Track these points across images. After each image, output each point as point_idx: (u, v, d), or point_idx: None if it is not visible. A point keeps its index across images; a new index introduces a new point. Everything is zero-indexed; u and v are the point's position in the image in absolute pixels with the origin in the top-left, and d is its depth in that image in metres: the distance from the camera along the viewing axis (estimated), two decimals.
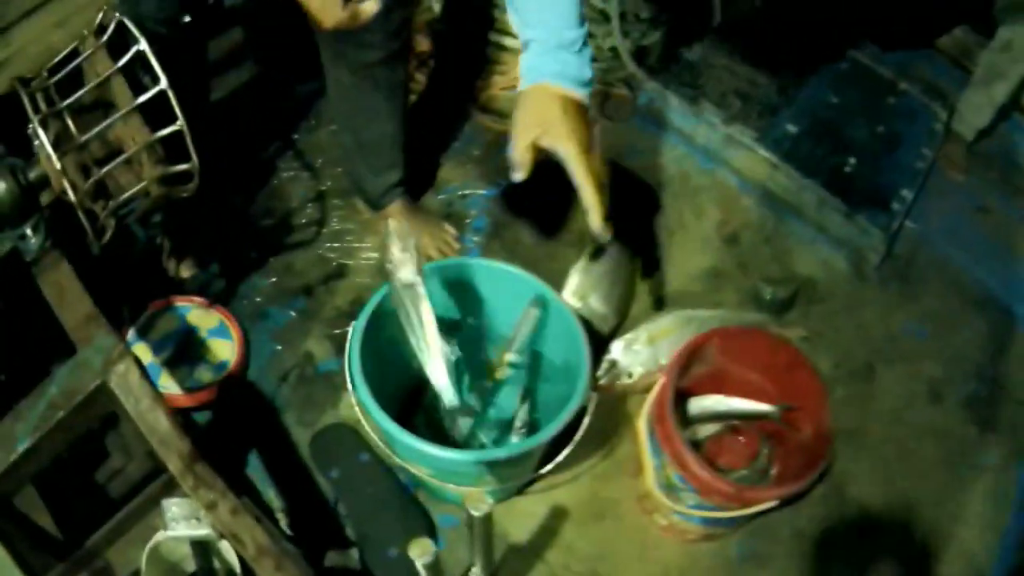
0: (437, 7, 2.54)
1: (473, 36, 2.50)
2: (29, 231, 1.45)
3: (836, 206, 2.42)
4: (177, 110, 1.37)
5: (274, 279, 2.13)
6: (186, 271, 2.09)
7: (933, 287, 2.43)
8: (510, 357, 1.75)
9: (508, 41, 2.45)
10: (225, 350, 1.97)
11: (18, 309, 1.61)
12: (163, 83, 1.35)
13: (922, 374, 2.24)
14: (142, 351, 1.93)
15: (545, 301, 1.76)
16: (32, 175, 1.42)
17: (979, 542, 1.97)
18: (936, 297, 2.41)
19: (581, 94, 1.41)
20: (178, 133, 1.34)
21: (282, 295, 2.10)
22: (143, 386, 1.32)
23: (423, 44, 2.56)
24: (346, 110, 1.97)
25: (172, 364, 1.93)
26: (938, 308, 2.39)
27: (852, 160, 2.54)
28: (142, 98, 1.37)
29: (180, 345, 1.96)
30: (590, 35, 1.46)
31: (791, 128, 2.56)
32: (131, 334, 1.96)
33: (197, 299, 2.02)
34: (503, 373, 1.77)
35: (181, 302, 2.01)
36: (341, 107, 1.97)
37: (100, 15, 1.47)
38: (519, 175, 1.41)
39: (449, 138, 2.50)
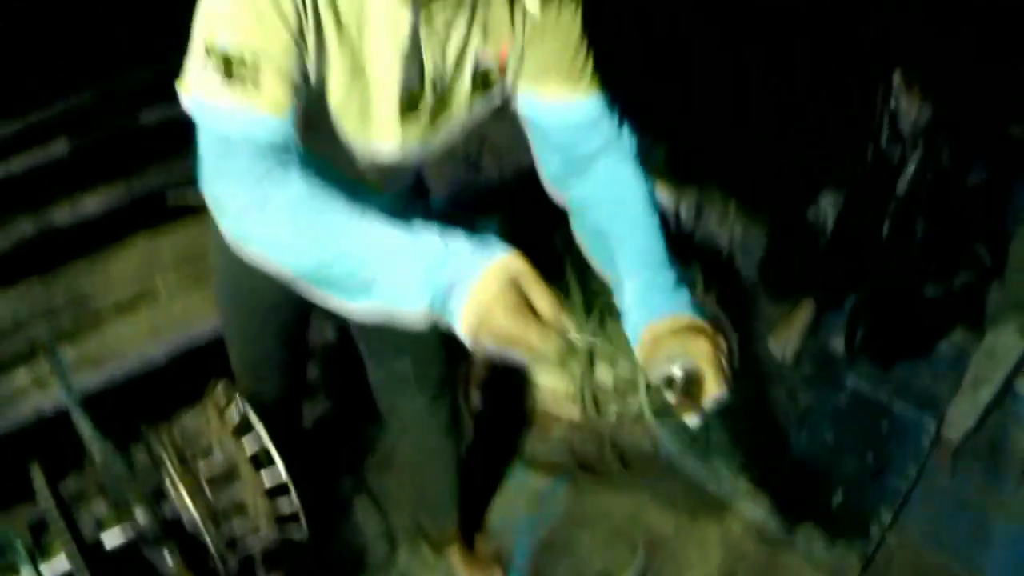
0: None
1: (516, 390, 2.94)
2: (167, 553, 1.68)
3: (821, 538, 2.79)
4: (294, 495, 1.70)
5: None
6: None
7: None
8: None
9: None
10: None
11: None
12: (283, 475, 1.68)
13: None
14: None
15: None
16: (168, 512, 1.68)
17: None
18: None
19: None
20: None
21: None
22: None
23: (475, 399, 3.00)
24: (409, 467, 2.35)
25: None
26: None
27: (839, 493, 2.92)
28: (267, 484, 1.69)
29: None
30: None
31: (789, 473, 2.96)
32: None
33: None
34: None
35: None
36: (405, 464, 2.35)
37: (220, 389, 1.81)
38: (696, 421, 1.33)
39: (496, 484, 2.90)
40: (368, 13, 1.24)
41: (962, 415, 2.92)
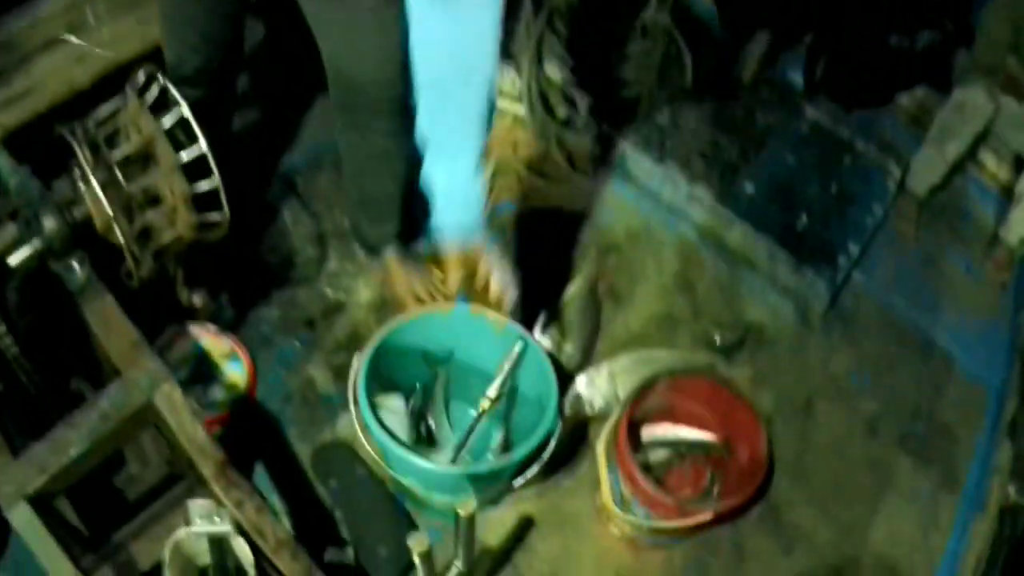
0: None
1: None
2: (76, 264, 1.68)
3: (785, 259, 2.68)
4: (214, 168, 1.64)
5: (279, 311, 2.37)
6: (198, 300, 2.30)
7: (875, 334, 2.68)
8: (488, 394, 2.01)
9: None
10: (236, 374, 2.18)
11: (46, 328, 1.82)
12: (203, 147, 1.62)
13: (859, 411, 2.48)
14: None
15: (523, 345, 2.04)
16: (78, 214, 1.65)
17: (908, 560, 2.24)
18: (878, 343, 2.65)
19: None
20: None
21: (287, 326, 2.34)
22: (184, 404, 1.59)
23: None
24: (354, 168, 2.20)
25: (187, 385, 2.14)
26: (879, 353, 2.63)
27: (804, 217, 2.81)
28: (185, 158, 1.63)
29: (194, 368, 2.17)
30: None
31: (749, 188, 2.83)
32: None
33: (210, 326, 2.23)
34: (485, 405, 2.03)
35: (195, 328, 2.23)
36: (350, 164, 2.20)
37: (140, 72, 1.72)
38: None
39: None
40: None
41: (928, 167, 2.94)
